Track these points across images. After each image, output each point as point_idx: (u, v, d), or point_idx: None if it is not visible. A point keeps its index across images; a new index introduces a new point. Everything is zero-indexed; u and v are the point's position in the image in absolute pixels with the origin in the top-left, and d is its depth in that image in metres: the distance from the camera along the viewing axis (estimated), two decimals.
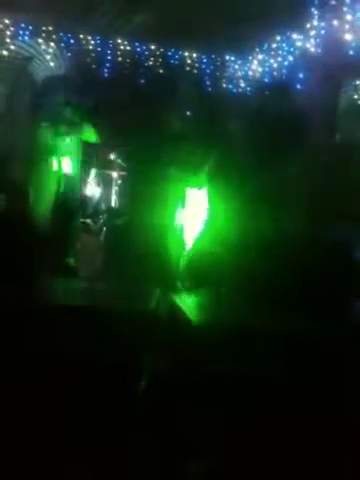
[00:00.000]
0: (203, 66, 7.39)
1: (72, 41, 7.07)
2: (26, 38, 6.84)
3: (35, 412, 2.30)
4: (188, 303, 3.30)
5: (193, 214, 4.36)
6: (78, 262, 4.73)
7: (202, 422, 2.25)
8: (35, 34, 6.85)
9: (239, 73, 7.46)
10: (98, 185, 6.28)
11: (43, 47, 6.69)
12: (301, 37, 6.18)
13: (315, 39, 5.93)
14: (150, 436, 2.21)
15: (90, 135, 4.50)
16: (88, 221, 6.08)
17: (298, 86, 6.33)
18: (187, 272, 4.23)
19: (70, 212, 4.48)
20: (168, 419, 2.27)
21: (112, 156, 6.26)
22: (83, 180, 5.87)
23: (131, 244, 4.80)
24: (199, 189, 4.37)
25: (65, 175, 4.41)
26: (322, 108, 5.65)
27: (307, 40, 6.05)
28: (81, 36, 7.08)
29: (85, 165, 5.98)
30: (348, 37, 5.50)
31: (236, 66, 7.51)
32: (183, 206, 4.33)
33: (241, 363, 2.41)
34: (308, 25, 5.93)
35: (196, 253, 4.26)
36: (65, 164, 4.38)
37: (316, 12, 5.81)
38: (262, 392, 2.34)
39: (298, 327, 2.67)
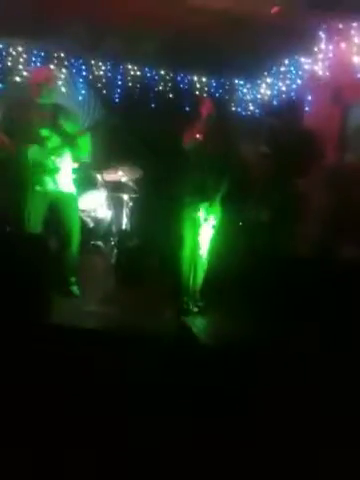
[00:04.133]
0: (212, 90, 7.48)
1: (83, 67, 7.19)
2: (38, 64, 6.97)
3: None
4: (200, 326, 3.30)
5: (205, 237, 4.35)
6: (88, 284, 4.72)
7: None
8: (47, 60, 6.98)
9: (248, 97, 7.54)
10: (109, 208, 6.31)
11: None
12: (309, 60, 6.24)
13: (323, 62, 5.99)
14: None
15: (83, 147, 4.42)
16: (99, 243, 6.11)
17: (306, 108, 6.37)
18: (200, 294, 4.22)
19: (66, 234, 4.36)
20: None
21: (123, 179, 6.30)
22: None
23: (142, 266, 4.81)
24: (211, 211, 4.37)
25: (61, 194, 4.32)
26: (331, 131, 5.68)
27: (315, 63, 6.11)
28: (92, 62, 7.20)
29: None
30: (356, 60, 5.55)
31: (245, 90, 7.59)
32: (195, 228, 4.32)
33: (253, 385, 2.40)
34: (316, 48, 5.99)
35: (209, 275, 4.25)
36: (60, 181, 4.30)
37: (323, 35, 5.88)
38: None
39: (312, 352, 2.65)
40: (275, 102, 6.88)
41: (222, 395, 2.42)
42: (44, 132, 4.23)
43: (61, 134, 4.26)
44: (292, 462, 2.18)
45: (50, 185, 4.28)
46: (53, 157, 4.25)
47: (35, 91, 4.35)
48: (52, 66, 6.87)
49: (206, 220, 4.33)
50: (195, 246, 4.28)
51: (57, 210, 4.35)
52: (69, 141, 4.27)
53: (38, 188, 4.24)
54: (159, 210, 5.23)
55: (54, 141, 4.25)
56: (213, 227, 4.39)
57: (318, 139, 4.88)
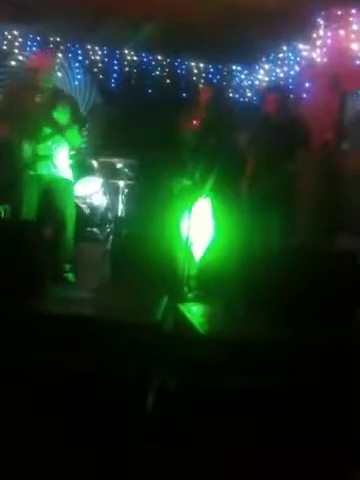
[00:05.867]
0: (210, 76, 7.43)
1: (79, 52, 7.13)
2: (34, 49, 6.91)
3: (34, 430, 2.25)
4: (195, 313, 3.30)
5: (201, 224, 4.35)
6: (84, 271, 4.71)
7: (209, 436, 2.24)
8: (43, 45, 6.92)
9: (245, 83, 7.50)
10: (105, 194, 6.29)
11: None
12: (307, 47, 6.21)
13: (321, 49, 5.96)
14: (158, 449, 2.19)
15: (74, 138, 4.40)
16: (95, 230, 6.09)
17: (304, 95, 6.34)
18: (195, 282, 4.24)
19: (62, 220, 4.36)
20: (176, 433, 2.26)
21: (119, 165, 6.27)
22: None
23: (138, 253, 4.80)
24: (206, 199, 4.37)
25: (56, 180, 4.31)
26: (328, 117, 5.66)
27: (313, 50, 6.08)
28: (88, 47, 7.14)
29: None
30: (354, 46, 5.52)
31: (242, 76, 7.55)
32: (190, 216, 4.32)
33: (248, 375, 2.40)
34: (314, 35, 5.96)
35: (205, 263, 4.26)
36: (58, 168, 4.30)
37: (322, 22, 5.84)
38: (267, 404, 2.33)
39: (305, 338, 2.66)
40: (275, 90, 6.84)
41: (220, 384, 2.43)
42: (42, 118, 4.19)
43: (57, 121, 4.23)
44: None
45: (45, 171, 4.26)
46: (49, 143, 4.23)
47: (35, 76, 4.31)
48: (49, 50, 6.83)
49: (201, 207, 4.33)
50: (192, 233, 4.28)
51: (52, 196, 4.33)
52: (63, 129, 4.24)
53: (33, 174, 4.22)
54: (154, 197, 5.22)
55: (51, 127, 4.22)
56: (208, 214, 4.40)
57: (313, 126, 4.85)
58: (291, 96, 5.76)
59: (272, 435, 2.26)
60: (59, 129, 4.22)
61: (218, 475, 2.12)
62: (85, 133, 4.64)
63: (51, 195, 4.31)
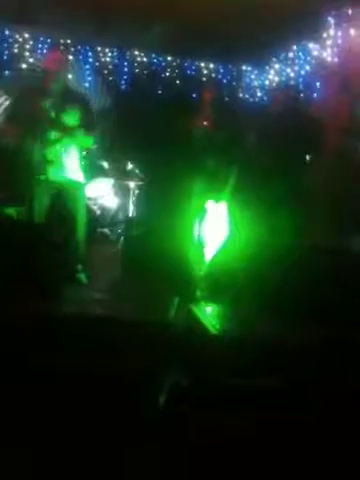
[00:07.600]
0: (220, 76, 7.44)
1: (90, 54, 7.16)
2: (44, 51, 6.96)
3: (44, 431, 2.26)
4: (207, 313, 3.31)
5: (213, 225, 4.35)
6: (95, 272, 4.73)
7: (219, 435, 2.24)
8: (53, 47, 6.96)
9: (255, 83, 7.49)
10: (116, 195, 6.31)
11: None
12: (317, 46, 6.19)
13: (332, 48, 5.94)
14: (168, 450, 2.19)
15: (84, 140, 4.41)
16: (106, 231, 6.12)
17: (315, 95, 6.32)
18: (206, 282, 4.24)
19: (73, 222, 4.38)
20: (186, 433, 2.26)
21: (129, 166, 6.30)
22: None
23: (149, 254, 4.81)
24: (219, 200, 4.37)
25: (68, 180, 4.33)
26: (339, 117, 5.63)
27: (323, 49, 6.06)
28: (98, 49, 7.17)
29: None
30: None
31: (252, 76, 7.54)
32: (202, 217, 4.32)
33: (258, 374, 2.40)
34: (325, 34, 5.94)
35: (216, 264, 4.26)
36: (67, 171, 4.31)
37: (332, 21, 5.82)
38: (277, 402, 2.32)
39: (315, 338, 2.66)
40: (283, 88, 6.83)
41: (230, 384, 2.43)
42: (50, 122, 4.21)
43: (66, 124, 4.25)
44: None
45: (55, 175, 4.28)
46: (58, 147, 4.25)
47: (47, 79, 4.33)
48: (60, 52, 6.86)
49: (214, 207, 4.33)
50: (203, 234, 4.28)
51: (63, 198, 4.35)
52: (72, 132, 4.26)
53: (44, 177, 4.24)
54: (165, 197, 5.23)
55: (59, 131, 4.24)
56: (221, 214, 4.39)
57: (325, 126, 4.84)
58: (297, 94, 5.74)
59: (282, 432, 2.26)
60: (68, 132, 4.24)
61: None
62: (96, 134, 4.61)
63: (62, 197, 4.33)
